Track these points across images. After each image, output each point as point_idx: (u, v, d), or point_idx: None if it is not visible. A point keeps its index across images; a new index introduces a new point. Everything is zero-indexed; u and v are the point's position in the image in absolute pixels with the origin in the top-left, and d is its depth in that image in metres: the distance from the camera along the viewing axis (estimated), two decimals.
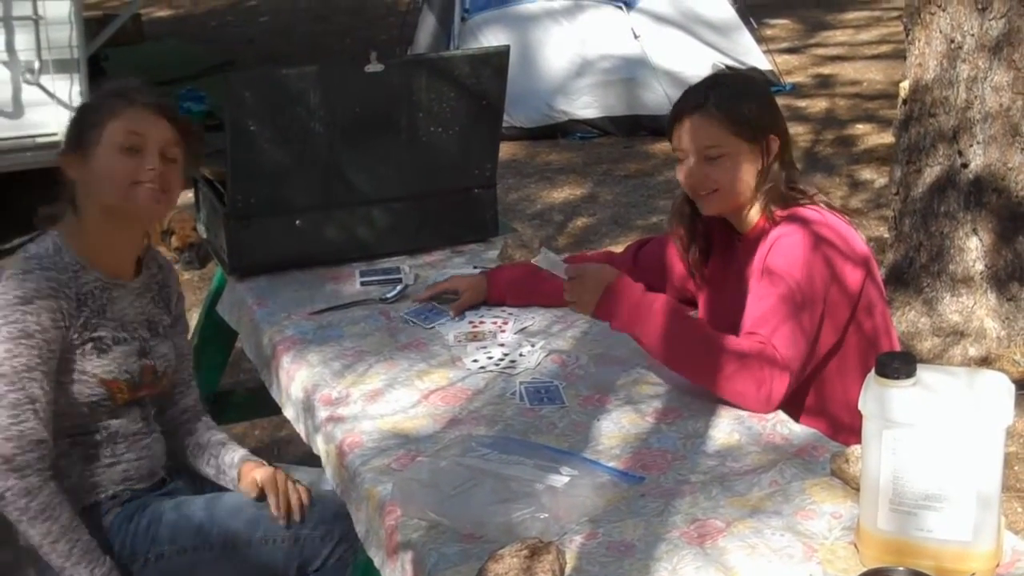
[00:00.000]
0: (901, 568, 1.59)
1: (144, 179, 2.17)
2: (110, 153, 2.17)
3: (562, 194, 6.62)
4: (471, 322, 2.62)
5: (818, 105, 7.97)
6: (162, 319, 2.37)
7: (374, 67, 2.87)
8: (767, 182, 2.32)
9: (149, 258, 2.39)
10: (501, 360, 2.42)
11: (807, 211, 2.31)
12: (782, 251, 2.25)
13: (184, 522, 2.22)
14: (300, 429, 2.41)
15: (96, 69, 6.86)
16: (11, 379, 2.05)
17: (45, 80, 5.76)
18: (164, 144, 2.20)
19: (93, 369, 2.17)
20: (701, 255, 2.50)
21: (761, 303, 2.21)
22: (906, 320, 4.30)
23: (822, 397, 2.32)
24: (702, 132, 2.31)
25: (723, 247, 2.47)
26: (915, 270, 4.34)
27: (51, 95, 5.77)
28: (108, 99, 2.22)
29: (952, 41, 4.12)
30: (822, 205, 2.33)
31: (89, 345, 2.16)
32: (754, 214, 2.36)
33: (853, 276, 2.27)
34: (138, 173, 2.17)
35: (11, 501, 2.04)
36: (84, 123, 2.22)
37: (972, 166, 4.17)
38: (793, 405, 2.22)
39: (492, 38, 7.50)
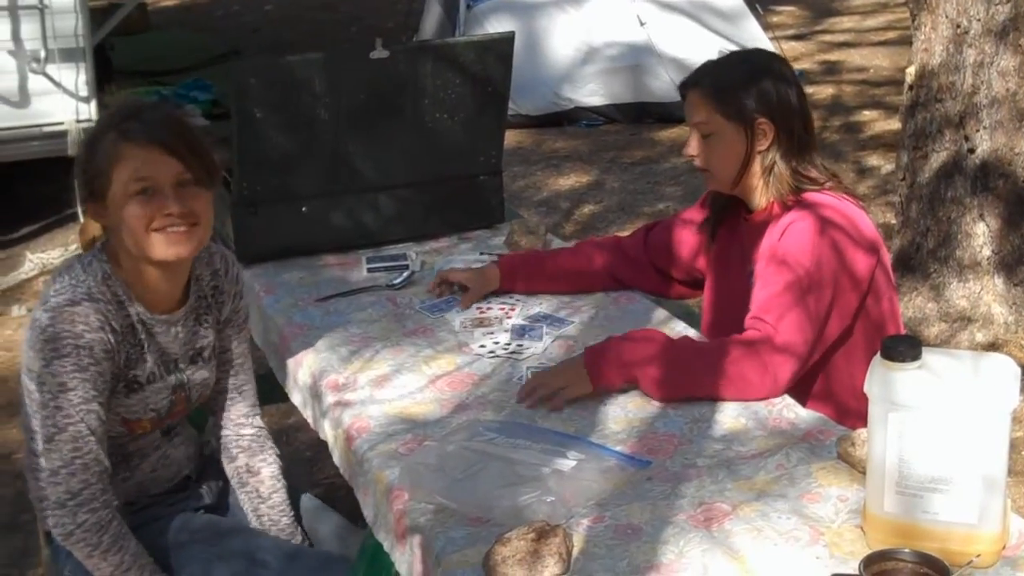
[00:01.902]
0: (907, 550, 1.60)
1: (164, 224, 2.02)
2: (123, 201, 2.02)
3: (568, 181, 6.61)
4: (478, 308, 2.62)
5: (825, 92, 7.94)
6: (208, 340, 2.24)
7: (379, 54, 2.86)
8: (765, 167, 2.32)
9: (203, 266, 2.23)
10: (508, 345, 2.42)
11: (819, 197, 2.30)
12: (791, 237, 2.25)
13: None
14: (307, 415, 2.42)
15: (102, 58, 6.85)
16: (68, 412, 1.99)
17: (51, 69, 5.75)
18: (176, 175, 2.03)
19: (117, 407, 2.10)
20: (710, 232, 2.51)
21: (768, 289, 2.22)
22: (913, 306, 4.30)
23: (829, 382, 2.32)
24: (694, 108, 2.36)
25: (731, 227, 2.47)
26: (922, 256, 4.33)
27: (57, 84, 5.77)
28: (105, 137, 2.04)
29: (958, 26, 4.11)
30: (832, 192, 2.32)
31: (122, 384, 2.09)
32: (761, 197, 2.36)
33: (862, 262, 2.27)
34: (156, 218, 2.02)
35: (82, 538, 2.00)
36: (90, 171, 2.06)
37: (979, 151, 4.16)
38: (800, 390, 2.22)
39: (497, 26, 7.47)
